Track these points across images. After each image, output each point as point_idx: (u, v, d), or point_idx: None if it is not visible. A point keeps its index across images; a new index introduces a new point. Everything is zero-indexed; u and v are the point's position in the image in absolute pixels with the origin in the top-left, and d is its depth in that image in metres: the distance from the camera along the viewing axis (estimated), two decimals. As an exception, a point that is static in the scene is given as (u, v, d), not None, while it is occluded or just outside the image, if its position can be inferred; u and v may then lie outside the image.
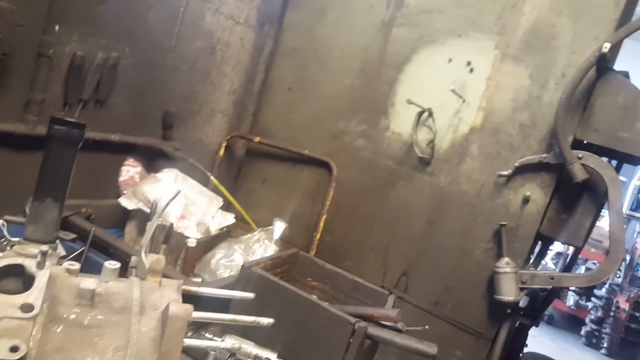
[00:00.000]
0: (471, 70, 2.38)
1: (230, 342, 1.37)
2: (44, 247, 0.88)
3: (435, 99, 2.42)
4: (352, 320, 1.51)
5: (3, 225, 0.97)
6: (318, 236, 2.57)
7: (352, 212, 2.57)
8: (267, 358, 1.56)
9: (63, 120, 0.94)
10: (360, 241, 2.53)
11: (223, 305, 1.71)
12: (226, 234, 2.27)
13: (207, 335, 1.63)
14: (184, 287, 0.84)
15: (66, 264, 0.80)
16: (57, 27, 1.83)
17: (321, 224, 2.56)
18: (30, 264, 0.72)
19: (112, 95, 2.17)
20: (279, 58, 2.97)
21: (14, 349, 0.60)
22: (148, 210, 2.03)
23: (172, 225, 1.97)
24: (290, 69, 2.94)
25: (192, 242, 1.89)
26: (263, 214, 2.70)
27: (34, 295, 0.67)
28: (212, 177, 2.54)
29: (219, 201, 2.36)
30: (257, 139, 2.91)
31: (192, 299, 0.94)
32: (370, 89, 2.63)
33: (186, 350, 1.57)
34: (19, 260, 0.71)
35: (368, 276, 2.31)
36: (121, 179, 2.34)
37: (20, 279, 0.69)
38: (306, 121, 2.83)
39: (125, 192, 2.19)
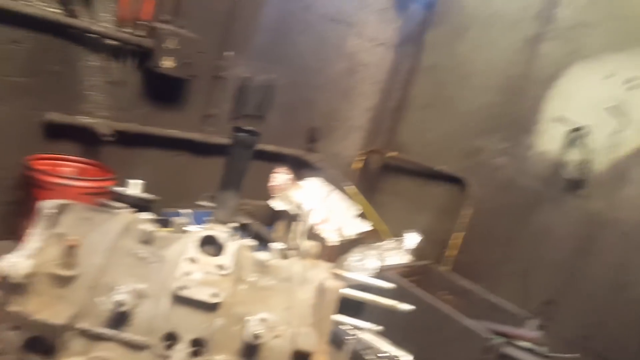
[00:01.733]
0: (631, 87, 2.18)
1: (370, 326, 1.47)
2: (229, 226, 1.10)
3: (588, 117, 2.26)
4: (486, 335, 1.51)
5: (190, 213, 1.20)
6: (451, 253, 2.55)
7: (487, 232, 2.51)
8: (399, 358, 1.64)
9: (243, 128, 1.16)
10: (497, 263, 2.45)
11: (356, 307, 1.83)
12: (361, 240, 2.40)
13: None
14: (333, 270, 0.97)
15: (245, 240, 0.99)
16: (230, 53, 2.17)
17: (453, 241, 2.55)
18: (221, 236, 0.91)
19: (270, 112, 2.48)
20: (416, 76, 3.05)
21: (214, 295, 0.78)
22: (294, 212, 2.27)
23: (312, 225, 2.18)
24: (428, 86, 3.00)
25: (332, 241, 2.06)
26: (393, 226, 2.78)
27: (227, 259, 0.85)
28: (350, 188, 2.70)
29: (357, 210, 2.51)
30: (392, 153, 3.02)
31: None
32: (513, 106, 2.56)
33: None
34: (214, 232, 0.91)
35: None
36: (272, 184, 2.63)
37: (213, 246, 0.88)
38: (441, 138, 2.85)
39: (275, 195, 2.47)
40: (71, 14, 1.64)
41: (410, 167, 2.96)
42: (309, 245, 1.03)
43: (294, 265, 0.95)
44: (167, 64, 1.86)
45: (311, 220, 2.31)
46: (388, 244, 2.36)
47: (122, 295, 0.71)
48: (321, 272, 0.93)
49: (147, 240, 0.84)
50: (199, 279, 0.80)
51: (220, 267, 0.84)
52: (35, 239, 0.73)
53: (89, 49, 1.74)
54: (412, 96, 3.09)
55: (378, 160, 3.21)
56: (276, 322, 0.82)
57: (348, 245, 2.34)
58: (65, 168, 1.71)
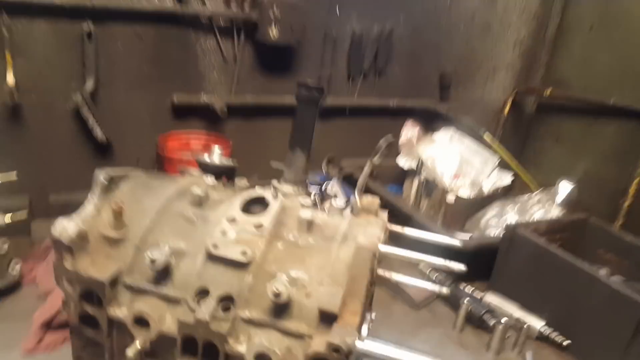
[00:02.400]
0: None
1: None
2: (297, 186, 1.09)
3: None
4: (643, 302, 1.19)
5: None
6: (627, 204, 2.08)
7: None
8: (527, 323, 1.42)
9: (307, 85, 1.11)
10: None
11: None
12: (501, 194, 2.12)
13: (465, 289, 1.61)
14: (387, 226, 0.87)
15: (301, 198, 0.96)
16: (337, 10, 2.10)
17: (631, 190, 2.06)
18: (268, 196, 0.90)
19: (389, 64, 2.34)
20: (579, -9, 2.50)
21: (244, 253, 0.77)
22: (422, 169, 2.13)
23: (434, 181, 2.01)
24: (593, 3, 2.43)
25: (450, 199, 1.87)
26: (555, 176, 2.37)
27: (267, 218, 0.84)
28: (486, 135, 2.40)
29: (495, 160, 2.23)
30: (550, 91, 2.56)
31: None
32: None
33: (445, 298, 1.59)
34: (261, 193, 0.90)
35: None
36: (401, 140, 2.50)
37: (259, 206, 0.87)
38: (613, 65, 2.30)
39: (403, 152, 2.34)
40: (182, 2, 1.79)
41: (574, 105, 2.48)
42: (367, 200, 0.95)
43: (342, 223, 0.88)
44: (273, 33, 1.90)
45: (442, 176, 2.13)
46: (535, 197, 2.03)
47: (158, 253, 0.76)
48: (371, 230, 0.84)
49: (198, 202, 0.88)
50: (233, 237, 0.80)
51: (258, 226, 0.83)
52: (90, 204, 0.83)
53: (202, 32, 1.88)
54: (573, 19, 2.55)
55: (532, 101, 2.77)
56: (308, 281, 0.77)
57: (485, 201, 2.10)
58: (193, 142, 1.92)
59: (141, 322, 0.77)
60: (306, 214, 0.85)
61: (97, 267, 0.78)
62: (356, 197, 0.91)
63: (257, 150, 2.05)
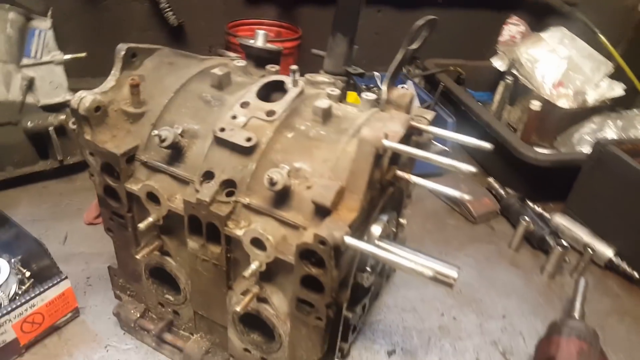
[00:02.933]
0: None
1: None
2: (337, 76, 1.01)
3: None
4: None
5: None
6: None
7: None
8: (596, 249, 1.27)
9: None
10: None
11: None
12: (607, 108, 1.81)
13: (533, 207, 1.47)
14: (411, 122, 0.77)
15: (329, 89, 0.88)
16: None
17: None
18: (288, 82, 0.83)
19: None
20: None
21: (248, 139, 0.74)
22: (519, 73, 1.87)
23: (519, 82, 1.77)
24: None
25: (535, 106, 1.63)
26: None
27: (280, 105, 0.79)
28: (599, 35, 2.00)
29: (608, 67, 1.87)
30: None
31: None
32: None
33: (509, 215, 1.47)
34: (281, 78, 0.84)
35: None
36: (501, 38, 2.19)
37: (283, 93, 0.82)
38: None
39: (501, 52, 2.06)
40: None
41: None
42: (397, 93, 0.84)
43: (363, 115, 0.80)
44: None
45: (542, 82, 1.86)
46: (645, 111, 1.71)
47: (166, 132, 0.76)
48: (391, 125, 0.75)
49: (219, 85, 0.85)
50: (242, 122, 0.77)
51: (271, 112, 0.78)
52: (111, 78, 0.84)
53: None
54: None
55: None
56: (310, 173, 0.73)
57: (586, 114, 1.81)
58: (265, 29, 1.86)
59: (153, 198, 0.80)
60: (323, 103, 0.78)
61: (116, 141, 0.81)
62: (383, 89, 0.81)
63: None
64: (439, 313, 1.14)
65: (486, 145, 0.71)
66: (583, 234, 1.35)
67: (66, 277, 0.96)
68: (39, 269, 1.03)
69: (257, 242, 0.72)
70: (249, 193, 0.75)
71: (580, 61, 1.92)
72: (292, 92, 0.82)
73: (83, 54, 1.40)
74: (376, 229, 0.81)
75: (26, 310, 0.90)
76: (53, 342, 0.98)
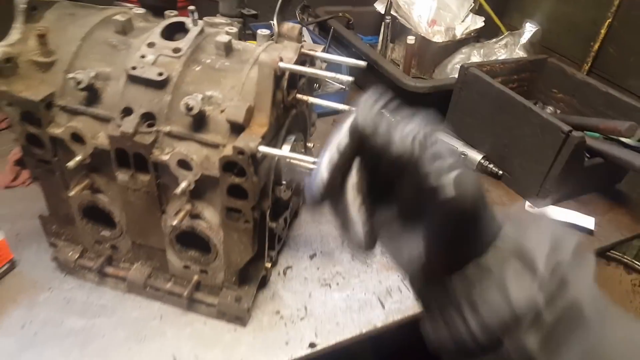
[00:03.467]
0: None
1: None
2: (231, 19, 1.11)
3: None
4: (566, 128, 1.27)
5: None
6: (596, 47, 2.05)
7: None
8: (469, 156, 1.55)
9: None
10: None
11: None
12: (473, 39, 2.10)
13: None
14: (302, 50, 0.92)
15: (227, 28, 0.99)
16: None
17: (602, 31, 2.01)
18: (188, 22, 0.93)
19: None
20: None
21: (160, 74, 0.84)
22: (398, 15, 2.07)
23: (399, 23, 1.99)
24: None
25: (410, 40, 1.86)
26: (535, 21, 2.30)
27: (185, 43, 0.88)
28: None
29: (470, 3, 2.15)
30: None
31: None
32: None
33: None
34: (182, 19, 0.93)
35: (656, 96, 1.78)
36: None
37: (185, 33, 0.91)
38: None
39: (380, -2, 2.25)
40: None
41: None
42: (287, 27, 0.98)
43: (260, 47, 0.93)
44: None
45: (419, 22, 2.08)
46: (503, 39, 2.01)
47: (81, 75, 0.83)
48: (284, 53, 0.89)
49: (122, 30, 0.92)
50: (151, 60, 0.86)
51: (177, 49, 0.88)
52: (15, 31, 0.87)
53: None
54: None
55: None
56: (222, 99, 0.85)
57: (455, 46, 2.08)
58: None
59: (78, 139, 0.87)
60: (223, 38, 0.89)
61: (32, 90, 0.86)
62: (274, 23, 0.94)
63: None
64: (347, 220, 1.34)
65: (361, 63, 0.88)
66: (458, 145, 1.61)
67: (-2, 230, 1.00)
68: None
69: (183, 164, 0.84)
70: (168, 122, 0.85)
71: (448, 0, 2.18)
72: (194, 31, 0.91)
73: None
74: (286, 147, 0.96)
75: (-39, 265, 0.94)
76: (-8, 293, 1.02)
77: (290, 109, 0.96)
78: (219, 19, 1.05)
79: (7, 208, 1.22)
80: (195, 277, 1.02)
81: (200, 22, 0.94)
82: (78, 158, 0.87)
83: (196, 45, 0.90)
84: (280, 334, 1.02)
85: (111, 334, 0.98)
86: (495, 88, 1.50)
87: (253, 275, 1.04)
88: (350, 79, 0.83)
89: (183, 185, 0.84)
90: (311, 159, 0.82)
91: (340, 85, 1.85)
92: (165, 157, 0.84)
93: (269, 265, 1.07)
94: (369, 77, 1.79)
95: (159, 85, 0.84)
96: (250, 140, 0.79)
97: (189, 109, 0.80)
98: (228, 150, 0.80)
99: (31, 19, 0.90)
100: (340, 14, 2.19)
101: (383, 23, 2.03)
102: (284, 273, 1.16)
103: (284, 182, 1.02)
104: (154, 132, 0.84)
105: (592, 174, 1.44)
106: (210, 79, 0.87)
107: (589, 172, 1.41)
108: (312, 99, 0.94)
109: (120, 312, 1.03)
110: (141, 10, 1.01)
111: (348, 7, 2.24)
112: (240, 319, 1.01)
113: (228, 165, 0.81)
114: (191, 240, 0.98)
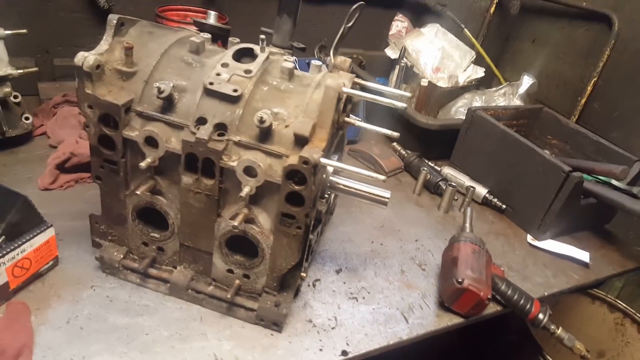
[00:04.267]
0: None
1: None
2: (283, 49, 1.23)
3: None
4: (566, 168, 1.42)
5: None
6: (583, 101, 2.27)
7: (632, 76, 2.12)
8: (475, 190, 1.67)
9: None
10: (636, 110, 2.11)
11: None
12: (474, 87, 2.29)
13: (427, 162, 1.83)
14: (355, 79, 1.04)
15: (285, 57, 1.11)
16: None
17: (589, 88, 2.24)
18: (257, 49, 1.04)
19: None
20: None
21: (235, 90, 0.94)
22: (406, 61, 2.25)
23: (412, 67, 2.17)
24: None
25: (424, 82, 2.03)
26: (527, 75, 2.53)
27: (254, 66, 0.99)
28: (465, 30, 2.50)
29: (472, 55, 2.35)
30: (533, -9, 2.61)
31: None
32: None
33: (410, 169, 1.82)
34: (251, 45, 1.04)
35: (636, 150, 1.97)
36: (391, 32, 2.58)
37: (252, 58, 1.02)
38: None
39: (392, 43, 2.44)
40: None
41: (553, 8, 2.55)
42: (340, 59, 1.10)
43: (318, 75, 1.04)
44: None
45: (425, 68, 2.26)
46: (502, 89, 2.20)
47: (164, 84, 0.91)
48: (339, 80, 1.00)
49: (196, 50, 1.02)
50: (226, 78, 0.96)
51: (248, 71, 0.98)
52: (104, 42, 0.96)
53: None
54: None
55: (518, 3, 2.82)
56: (287, 116, 0.95)
57: (459, 92, 2.27)
58: (191, 14, 1.98)
59: (150, 142, 0.95)
60: (288, 64, 1.01)
61: (113, 95, 0.94)
62: (330, 56, 1.06)
63: (252, 26, 2.12)
64: (369, 241, 1.43)
65: (399, 104, 1.00)
66: (465, 179, 1.74)
67: (51, 225, 1.05)
68: (17, 221, 1.09)
69: (249, 170, 0.92)
70: (238, 133, 0.94)
71: (451, 51, 2.38)
72: (262, 56, 1.02)
73: (24, 30, 1.42)
74: (334, 161, 1.06)
75: (17, 255, 0.98)
76: (38, 287, 1.05)
77: (339, 130, 1.07)
78: (274, 49, 1.17)
79: (46, 208, 1.25)
80: (237, 282, 1.08)
81: (267, 48, 1.05)
82: (149, 160, 0.95)
83: (264, 69, 1.01)
84: (314, 340, 1.08)
85: (154, 332, 1.02)
86: (499, 129, 1.65)
87: (291, 282, 1.11)
88: (404, 105, 0.95)
89: (246, 189, 0.92)
90: (373, 175, 0.92)
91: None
92: (233, 164, 0.93)
93: (304, 275, 1.14)
94: (381, 112, 1.93)
95: (233, 100, 0.94)
96: (314, 152, 0.89)
97: (262, 121, 0.90)
98: (293, 160, 0.89)
99: (118, 33, 0.99)
100: (355, 56, 2.35)
101: (398, 66, 2.20)
102: (314, 285, 1.23)
103: (326, 195, 1.11)
104: (225, 141, 0.93)
105: (586, 212, 1.59)
106: (277, 98, 0.97)
107: (584, 211, 1.56)
108: (359, 123, 1.05)
109: (162, 312, 1.07)
110: (207, 36, 1.12)
111: (360, 50, 2.41)
112: (277, 324, 1.07)
113: (291, 174, 0.90)
114: (238, 245, 1.05)
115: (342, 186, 1.10)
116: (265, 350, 1.04)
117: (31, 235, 1.01)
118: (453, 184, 1.65)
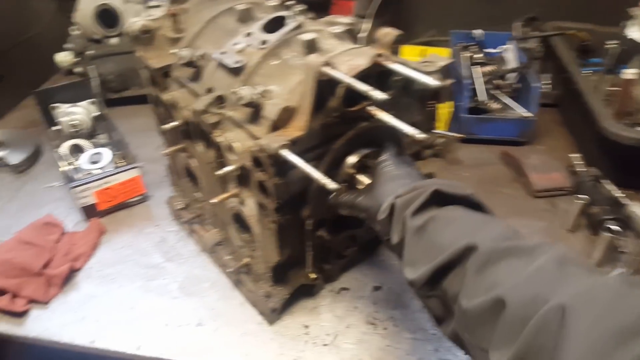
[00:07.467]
0: None
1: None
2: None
3: None
4: None
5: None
6: None
7: None
8: None
9: None
10: None
11: None
12: None
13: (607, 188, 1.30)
14: (377, 58, 0.79)
15: (337, 28, 0.95)
16: None
17: None
18: (289, 15, 0.93)
19: None
20: None
21: (237, 62, 0.88)
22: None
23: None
24: None
25: (631, 73, 1.36)
26: None
27: (275, 36, 0.89)
28: None
29: None
30: None
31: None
32: None
33: (575, 192, 1.34)
34: (283, 13, 0.94)
35: None
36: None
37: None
38: None
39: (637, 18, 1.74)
40: None
41: None
42: (383, 32, 0.88)
43: (340, 48, 0.86)
44: None
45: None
46: None
47: (185, 52, 0.94)
48: (358, 58, 0.80)
49: (242, 18, 1.00)
50: (238, 48, 0.91)
51: (264, 42, 0.90)
52: (161, 9, 1.05)
53: None
54: None
55: None
56: (280, 95, 0.83)
57: None
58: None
59: (176, 107, 1.00)
60: (307, 36, 0.87)
61: (158, 59, 1.02)
62: (364, 27, 0.85)
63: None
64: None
65: (433, 82, 0.72)
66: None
67: (136, 167, 1.25)
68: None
69: (230, 149, 0.87)
70: (234, 108, 0.89)
71: None
72: (288, 26, 0.91)
73: None
74: (351, 158, 0.88)
75: (102, 185, 1.22)
76: (122, 214, 1.29)
77: (357, 120, 0.87)
78: (343, 19, 1.02)
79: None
80: (245, 259, 1.05)
81: (300, 17, 0.93)
82: (173, 123, 1.00)
83: (284, 40, 0.90)
84: (294, 349, 0.97)
85: (169, 280, 1.12)
86: None
87: (291, 279, 1.01)
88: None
89: (226, 168, 0.87)
90: (325, 178, 0.73)
91: (526, 113, 1.54)
92: (220, 139, 0.89)
93: (313, 275, 1.02)
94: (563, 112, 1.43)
95: (235, 72, 0.89)
96: (276, 141, 0.76)
97: (239, 98, 0.82)
98: (255, 145, 0.78)
99: (178, 0, 1.06)
100: (573, 32, 1.79)
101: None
102: (338, 292, 1.09)
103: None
104: (218, 115, 0.90)
105: None
106: (282, 74, 0.86)
107: None
108: (380, 114, 0.82)
109: (188, 265, 1.16)
110: (301, 7, 1.04)
111: (589, 24, 1.81)
112: (265, 315, 1.01)
113: (256, 160, 0.80)
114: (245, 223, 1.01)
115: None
116: (244, 334, 1.00)
117: (115, 172, 1.23)
118: (632, 227, 1.12)
